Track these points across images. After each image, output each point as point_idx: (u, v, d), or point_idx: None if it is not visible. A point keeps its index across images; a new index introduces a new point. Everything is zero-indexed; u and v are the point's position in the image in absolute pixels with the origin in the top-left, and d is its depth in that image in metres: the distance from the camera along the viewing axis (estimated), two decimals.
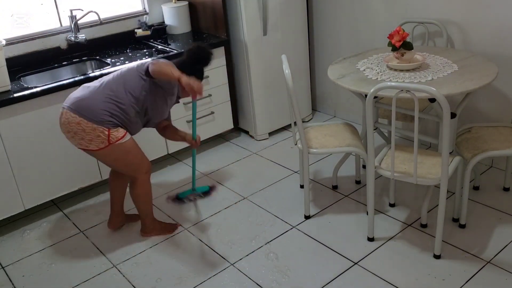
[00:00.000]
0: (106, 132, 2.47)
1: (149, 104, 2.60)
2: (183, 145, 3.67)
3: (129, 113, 2.54)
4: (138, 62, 2.64)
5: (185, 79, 2.40)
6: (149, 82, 2.55)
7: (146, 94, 2.56)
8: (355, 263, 2.57)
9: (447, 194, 3.06)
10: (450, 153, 2.78)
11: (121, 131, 2.52)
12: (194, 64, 2.65)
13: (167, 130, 2.89)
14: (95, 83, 2.58)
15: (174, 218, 3.06)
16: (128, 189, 2.85)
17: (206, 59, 2.71)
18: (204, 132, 3.74)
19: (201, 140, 3.00)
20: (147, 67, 2.50)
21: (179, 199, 3.15)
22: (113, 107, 2.49)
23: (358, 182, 3.28)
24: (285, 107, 3.95)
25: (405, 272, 2.48)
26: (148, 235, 2.91)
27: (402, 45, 2.78)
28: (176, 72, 2.42)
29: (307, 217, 2.96)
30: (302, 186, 3.27)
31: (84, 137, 2.50)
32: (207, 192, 3.19)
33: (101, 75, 3.11)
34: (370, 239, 2.71)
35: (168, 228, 2.94)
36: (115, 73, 2.61)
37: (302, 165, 2.95)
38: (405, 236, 2.74)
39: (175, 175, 3.58)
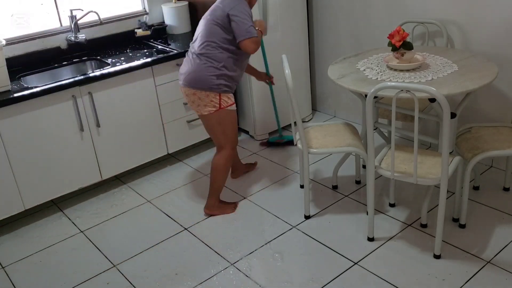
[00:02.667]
0: (218, 97, 2.75)
1: (236, 44, 2.76)
2: (183, 145, 3.68)
3: (229, 67, 2.75)
4: (209, 14, 2.78)
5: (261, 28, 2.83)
6: (228, 27, 2.72)
7: (231, 38, 2.72)
8: (355, 263, 2.57)
9: (447, 194, 3.06)
10: (450, 153, 2.78)
11: (231, 99, 2.81)
12: None
13: (248, 66, 3.20)
14: (191, 54, 2.82)
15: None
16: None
17: None
18: (204, 132, 3.73)
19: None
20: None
21: (269, 143, 3.72)
22: (215, 71, 2.72)
23: (358, 182, 3.28)
24: (285, 107, 3.95)
25: (405, 272, 2.48)
26: (211, 213, 3.04)
27: (402, 45, 2.78)
28: (257, 32, 2.72)
29: (307, 217, 2.96)
30: (302, 186, 3.27)
31: (200, 103, 2.78)
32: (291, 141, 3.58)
33: (101, 75, 3.13)
34: (370, 239, 2.71)
35: (229, 207, 3.07)
36: (199, 35, 2.81)
37: (302, 165, 2.98)
38: (405, 236, 2.74)
39: (175, 175, 3.58)
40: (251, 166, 3.50)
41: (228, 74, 2.76)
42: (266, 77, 3.40)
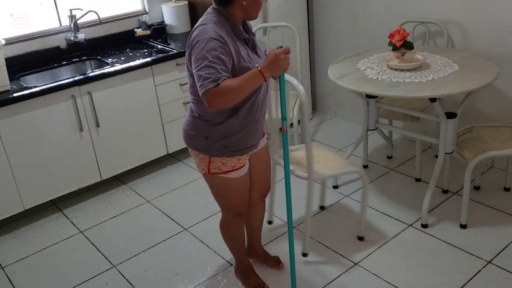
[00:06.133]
0: (207, 161, 2.09)
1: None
2: (183, 145, 3.66)
3: (227, 124, 2.01)
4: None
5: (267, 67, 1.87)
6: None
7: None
8: (355, 263, 2.56)
9: (448, 194, 3.07)
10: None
11: (226, 165, 2.08)
12: None
13: None
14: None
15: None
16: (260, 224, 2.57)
17: None
18: None
19: None
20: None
21: None
22: (203, 127, 2.04)
23: (335, 187, 3.26)
24: None
25: (405, 272, 2.48)
26: (236, 276, 2.55)
27: (402, 45, 2.77)
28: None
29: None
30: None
31: (195, 160, 2.18)
32: None
33: (101, 75, 3.12)
34: (360, 238, 2.72)
35: (253, 283, 2.46)
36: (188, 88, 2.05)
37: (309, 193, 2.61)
38: (405, 236, 2.74)
39: (175, 175, 3.57)
40: (272, 262, 2.61)
41: (224, 132, 2.02)
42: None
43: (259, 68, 1.85)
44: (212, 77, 1.77)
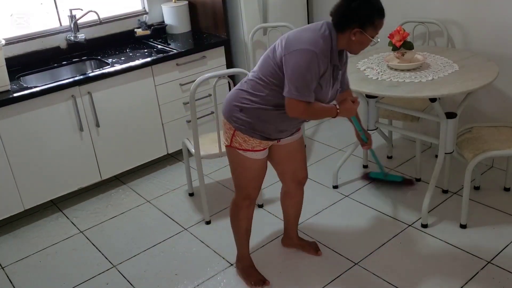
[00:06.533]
0: (231, 133, 2.19)
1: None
2: None
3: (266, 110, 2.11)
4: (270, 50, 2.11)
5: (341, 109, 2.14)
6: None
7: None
8: (355, 263, 2.56)
9: (448, 194, 3.07)
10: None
11: (248, 143, 2.17)
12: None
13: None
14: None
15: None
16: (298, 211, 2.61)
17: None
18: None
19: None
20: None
21: (371, 178, 3.20)
22: (244, 103, 2.13)
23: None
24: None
25: (405, 272, 2.48)
26: (237, 272, 2.57)
27: (402, 45, 2.77)
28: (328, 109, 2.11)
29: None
30: None
31: (223, 129, 2.28)
32: (400, 182, 3.16)
33: (101, 75, 3.12)
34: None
35: (253, 278, 2.48)
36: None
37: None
38: (405, 236, 2.74)
39: (175, 175, 3.57)
40: (309, 248, 2.66)
41: (260, 116, 2.12)
42: (359, 138, 2.56)
43: (338, 110, 2.13)
44: (306, 95, 1.98)
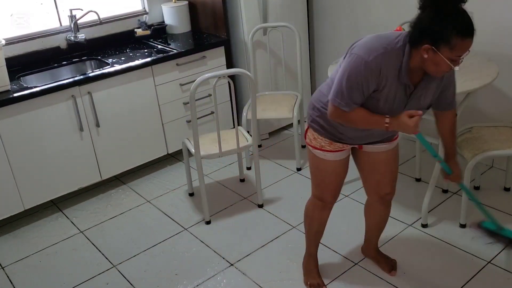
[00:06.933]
0: (306, 128, 2.18)
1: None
2: None
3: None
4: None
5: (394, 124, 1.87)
6: None
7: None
8: (355, 263, 2.56)
9: (448, 194, 3.07)
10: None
11: (318, 141, 2.12)
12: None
13: (441, 127, 2.16)
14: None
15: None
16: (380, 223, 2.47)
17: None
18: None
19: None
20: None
21: (482, 227, 2.41)
22: (320, 106, 2.06)
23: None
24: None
25: (405, 272, 2.48)
26: (302, 266, 2.54)
27: None
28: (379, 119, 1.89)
29: None
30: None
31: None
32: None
33: (101, 75, 3.12)
34: None
35: (311, 278, 2.45)
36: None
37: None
38: (405, 236, 2.74)
39: (175, 175, 3.57)
40: (384, 265, 2.50)
41: (328, 120, 2.03)
42: (444, 172, 2.18)
43: (387, 123, 1.87)
44: (342, 103, 1.85)
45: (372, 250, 2.55)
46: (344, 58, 1.91)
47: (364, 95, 1.84)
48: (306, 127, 2.19)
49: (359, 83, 1.80)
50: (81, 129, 3.12)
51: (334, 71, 1.98)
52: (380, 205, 2.34)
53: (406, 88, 1.85)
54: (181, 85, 3.50)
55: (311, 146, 2.16)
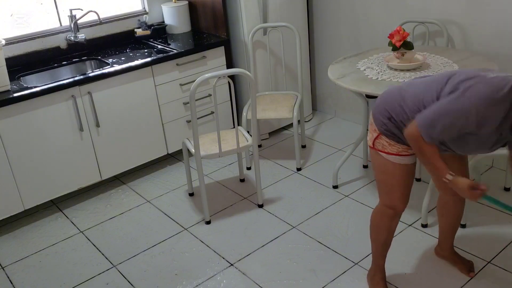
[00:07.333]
0: (375, 135, 2.08)
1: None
2: None
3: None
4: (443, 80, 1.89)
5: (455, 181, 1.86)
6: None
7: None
8: (355, 263, 2.56)
9: None
10: None
11: (392, 146, 2.04)
12: None
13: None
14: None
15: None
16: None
17: None
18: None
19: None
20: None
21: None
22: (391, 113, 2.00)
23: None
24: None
25: (405, 272, 2.48)
26: (367, 279, 2.44)
27: (402, 45, 2.77)
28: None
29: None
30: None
31: (369, 128, 2.13)
32: None
33: (101, 75, 3.12)
34: None
35: None
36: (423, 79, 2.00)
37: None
38: (405, 236, 2.74)
39: (175, 175, 3.57)
40: (462, 266, 2.45)
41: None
42: None
43: (447, 179, 1.87)
44: (428, 133, 1.81)
45: (448, 251, 2.49)
46: (439, 87, 1.85)
47: (452, 135, 1.83)
48: (373, 134, 2.08)
49: (457, 126, 1.77)
50: (81, 129, 3.12)
51: (421, 87, 1.92)
52: (457, 202, 2.30)
53: (503, 137, 1.82)
54: (181, 85, 3.50)
55: (385, 153, 2.05)
